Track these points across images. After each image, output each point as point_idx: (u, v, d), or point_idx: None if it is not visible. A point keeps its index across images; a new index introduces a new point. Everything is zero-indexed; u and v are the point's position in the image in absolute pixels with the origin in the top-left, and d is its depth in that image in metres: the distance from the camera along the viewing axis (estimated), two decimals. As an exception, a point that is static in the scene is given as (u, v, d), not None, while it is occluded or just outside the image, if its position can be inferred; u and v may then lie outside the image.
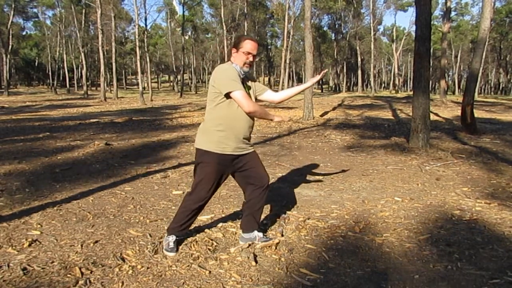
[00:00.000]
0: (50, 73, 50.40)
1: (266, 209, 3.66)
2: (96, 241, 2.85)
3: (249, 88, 2.72)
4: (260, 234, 2.87)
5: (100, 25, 27.84)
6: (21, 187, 4.37)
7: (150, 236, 2.98)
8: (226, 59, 36.00)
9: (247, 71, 2.64)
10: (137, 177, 4.95)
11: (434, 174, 5.12)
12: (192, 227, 3.18)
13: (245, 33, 37.47)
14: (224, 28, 35.40)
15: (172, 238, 2.72)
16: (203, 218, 3.39)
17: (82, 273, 2.35)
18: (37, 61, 60.31)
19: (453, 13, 40.87)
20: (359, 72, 43.65)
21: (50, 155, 6.31)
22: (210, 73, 65.00)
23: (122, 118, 12.74)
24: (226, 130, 2.58)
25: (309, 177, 5.01)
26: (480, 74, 23.21)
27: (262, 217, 3.45)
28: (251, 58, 2.59)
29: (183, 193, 4.15)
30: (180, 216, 2.70)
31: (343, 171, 5.30)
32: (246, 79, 2.69)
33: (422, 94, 6.95)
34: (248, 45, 2.57)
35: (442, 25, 28.25)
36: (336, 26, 48.28)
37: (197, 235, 3.00)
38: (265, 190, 2.82)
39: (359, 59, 44.01)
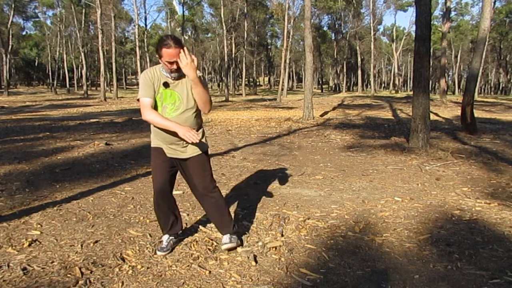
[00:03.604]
0: (50, 73, 50.42)
1: (266, 209, 3.66)
2: (96, 241, 2.85)
3: (169, 87, 2.47)
4: (227, 238, 2.72)
5: (100, 25, 27.85)
6: (21, 187, 4.37)
7: (150, 236, 2.98)
8: (225, 59, 36.04)
9: (177, 74, 2.42)
10: (137, 177, 4.95)
11: (434, 174, 5.12)
12: (190, 226, 3.19)
13: (245, 33, 37.44)
14: (224, 28, 35.33)
15: (165, 237, 2.73)
16: (203, 218, 3.39)
17: (82, 273, 2.35)
18: (37, 61, 60.33)
19: (453, 13, 40.90)
20: (359, 72, 43.69)
21: (50, 155, 6.31)
22: (209, 73, 65.09)
23: (122, 118, 12.73)
24: (153, 131, 2.61)
25: (309, 177, 5.01)
26: (480, 74, 23.21)
27: (262, 216, 3.46)
28: (175, 66, 2.34)
29: (183, 193, 4.15)
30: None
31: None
32: (172, 80, 2.46)
33: (422, 94, 6.96)
34: (166, 54, 2.30)
35: (442, 25, 28.26)
36: (336, 26, 48.29)
37: (197, 235, 3.00)
38: (208, 196, 2.67)
39: (359, 59, 44.05)
